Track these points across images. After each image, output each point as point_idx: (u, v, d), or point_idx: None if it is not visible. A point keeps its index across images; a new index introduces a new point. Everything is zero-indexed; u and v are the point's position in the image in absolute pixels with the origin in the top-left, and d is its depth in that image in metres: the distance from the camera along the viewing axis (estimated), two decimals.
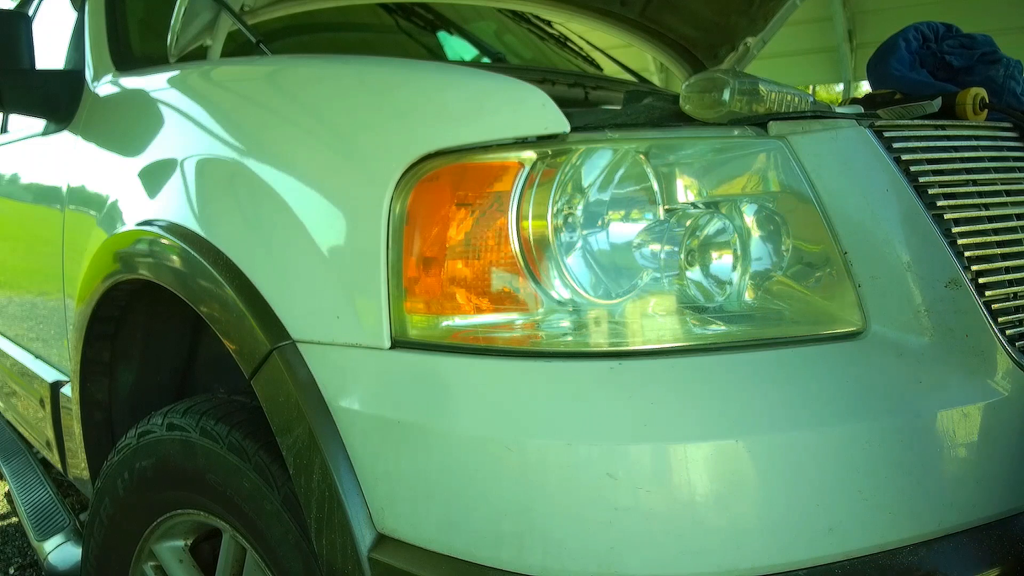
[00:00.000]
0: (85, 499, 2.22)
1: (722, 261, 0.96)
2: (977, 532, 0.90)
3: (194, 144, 1.33)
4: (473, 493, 0.88)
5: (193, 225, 1.23)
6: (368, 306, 0.98)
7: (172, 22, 1.57)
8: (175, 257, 1.23)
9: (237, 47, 1.82)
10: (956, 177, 1.03)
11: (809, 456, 0.85)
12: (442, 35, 2.63)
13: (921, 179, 0.99)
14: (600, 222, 0.95)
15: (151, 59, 1.79)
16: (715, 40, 2.37)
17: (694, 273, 0.95)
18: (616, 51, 2.98)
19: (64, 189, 1.81)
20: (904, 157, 1.00)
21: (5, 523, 2.77)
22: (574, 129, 0.94)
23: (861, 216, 0.97)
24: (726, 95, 0.98)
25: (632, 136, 0.98)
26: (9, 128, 2.53)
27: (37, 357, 2.10)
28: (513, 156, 0.94)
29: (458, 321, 0.95)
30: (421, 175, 0.96)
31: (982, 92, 1.13)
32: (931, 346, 0.94)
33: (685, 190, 0.99)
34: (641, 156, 0.96)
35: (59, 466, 1.95)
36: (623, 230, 0.96)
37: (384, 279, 0.97)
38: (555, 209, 0.93)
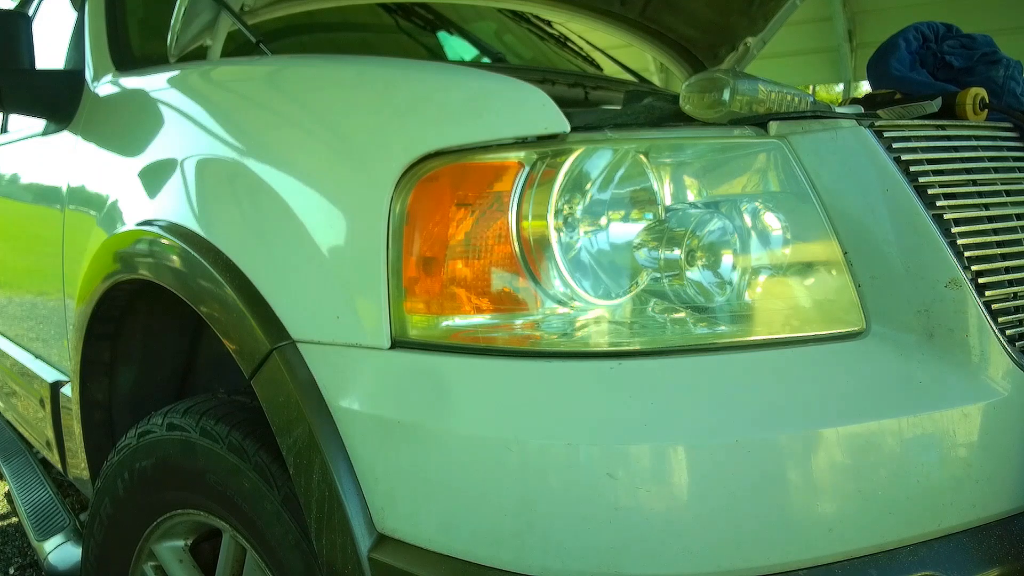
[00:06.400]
0: (85, 499, 2.22)
1: (722, 261, 0.96)
2: (977, 532, 0.90)
3: (194, 144, 1.33)
4: (473, 493, 0.88)
5: (193, 225, 1.23)
6: (368, 306, 0.98)
7: (172, 22, 1.57)
8: (175, 257, 1.23)
9: (237, 47, 1.82)
10: (956, 177, 1.03)
11: (809, 456, 0.85)
12: (442, 35, 2.63)
13: (921, 179, 0.99)
14: (600, 222, 0.95)
15: (151, 59, 1.79)
16: (715, 40, 2.37)
17: (694, 273, 0.95)
18: (616, 51, 2.98)
19: (64, 189, 1.81)
20: (904, 157, 1.00)
21: (5, 523, 2.77)
22: (574, 129, 0.94)
23: (861, 216, 0.97)
24: (726, 95, 0.98)
25: (632, 136, 0.98)
26: (9, 128, 2.53)
27: (37, 357, 2.10)
28: (513, 156, 0.94)
29: (458, 321, 0.95)
30: (421, 175, 0.96)
31: (982, 92, 1.13)
32: (931, 346, 0.94)
33: (685, 190, 0.99)
34: (641, 156, 0.96)
35: (59, 466, 1.95)
36: (623, 230, 0.96)
37: (384, 279, 0.97)
38: (555, 209, 0.93)
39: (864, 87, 6.38)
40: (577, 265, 0.94)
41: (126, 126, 1.64)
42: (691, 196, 1.00)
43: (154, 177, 1.40)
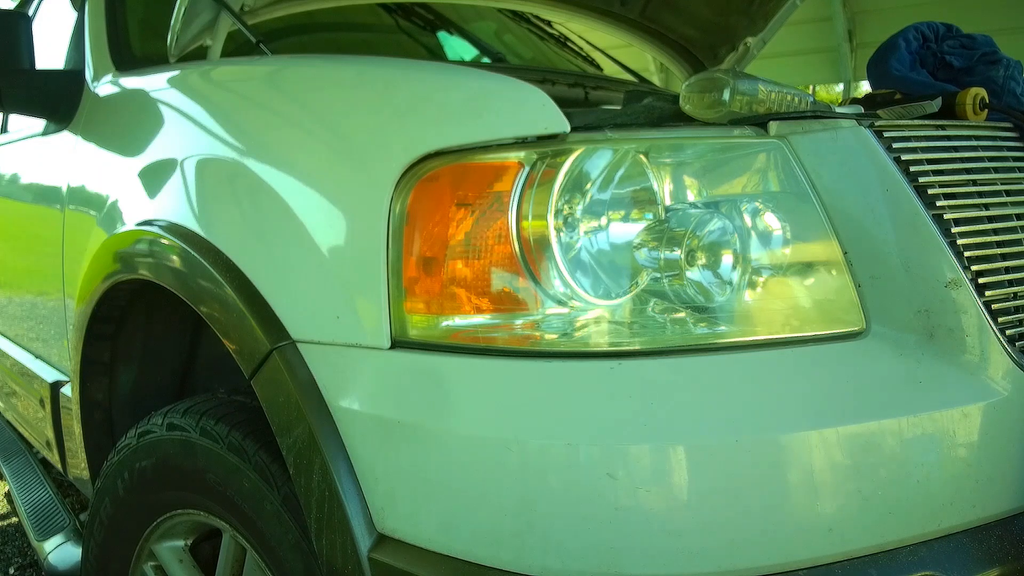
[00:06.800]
0: (85, 499, 2.22)
1: (722, 261, 0.96)
2: (977, 532, 0.90)
3: (194, 144, 1.33)
4: (473, 493, 0.88)
5: (193, 225, 1.23)
6: (368, 306, 0.98)
7: (172, 22, 1.57)
8: (175, 257, 1.23)
9: (237, 47, 1.82)
10: (956, 177, 1.03)
11: (809, 456, 0.85)
12: (442, 35, 2.63)
13: (921, 179, 0.99)
14: (600, 222, 0.95)
15: (151, 59, 1.79)
16: (715, 40, 2.37)
17: (694, 273, 0.95)
18: (616, 51, 2.98)
19: (64, 189, 1.81)
20: (904, 157, 1.00)
21: (5, 523, 2.77)
22: (574, 129, 0.94)
23: (861, 216, 0.97)
24: (726, 95, 0.98)
25: (632, 136, 0.98)
26: (9, 128, 2.53)
27: (37, 357, 2.10)
28: (513, 156, 0.94)
29: (458, 321, 0.95)
30: (421, 175, 0.96)
31: (982, 92, 1.13)
32: (931, 346, 0.94)
33: (685, 190, 0.99)
34: (641, 156, 0.96)
35: (59, 466, 1.95)
36: (623, 230, 0.96)
37: (384, 279, 0.97)
38: (555, 209, 0.93)
39: (864, 87, 6.38)
40: (577, 265, 0.94)
41: (126, 126, 1.64)
42: (691, 196, 1.00)
43: (154, 177, 1.40)
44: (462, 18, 2.72)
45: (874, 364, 0.93)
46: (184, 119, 1.42)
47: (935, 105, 1.10)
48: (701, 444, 0.84)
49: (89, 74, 1.88)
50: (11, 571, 2.45)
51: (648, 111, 1.07)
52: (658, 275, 0.95)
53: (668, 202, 0.98)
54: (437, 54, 2.54)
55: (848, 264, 0.96)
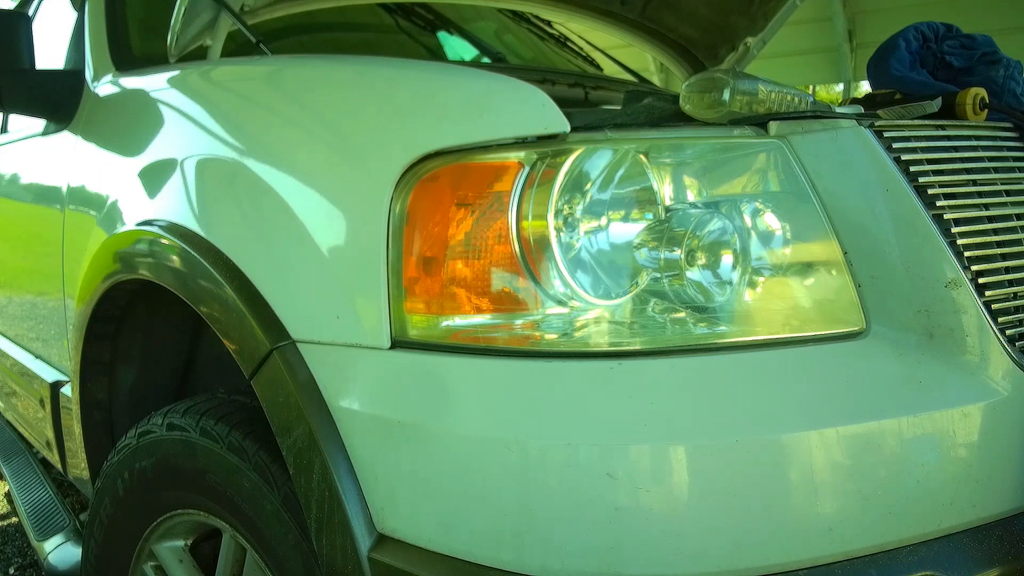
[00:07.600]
0: (85, 499, 2.22)
1: (722, 261, 0.96)
2: (977, 532, 0.90)
3: (194, 144, 1.33)
4: (473, 493, 0.88)
5: (193, 225, 1.23)
6: (368, 306, 0.98)
7: (172, 22, 1.57)
8: (175, 257, 1.23)
9: (237, 47, 1.82)
10: (956, 177, 1.03)
11: (809, 456, 0.85)
12: (442, 35, 2.63)
13: (921, 179, 0.99)
14: (600, 222, 0.95)
15: (151, 59, 1.79)
16: (715, 40, 2.37)
17: (694, 273, 0.95)
18: (616, 51, 2.98)
19: (64, 189, 1.81)
20: (904, 157, 1.00)
21: (5, 523, 2.77)
22: (574, 129, 0.94)
23: (861, 216, 0.97)
24: (726, 95, 0.98)
25: (632, 136, 0.98)
26: (9, 128, 2.53)
27: (37, 357, 2.10)
28: (513, 156, 0.94)
29: (458, 321, 0.95)
30: (421, 175, 0.96)
31: (982, 92, 1.13)
32: (931, 346, 0.94)
33: (685, 190, 0.99)
34: (641, 156, 0.97)
35: (59, 466, 1.95)
36: (623, 230, 0.96)
37: (384, 279, 0.97)
38: (555, 209, 0.93)
39: (864, 87, 6.39)
40: (577, 265, 0.94)
41: (126, 126, 1.64)
42: (691, 196, 1.00)
43: (154, 177, 1.40)
44: (462, 18, 2.72)
45: (874, 364, 0.93)
46: (184, 119, 1.42)
47: (935, 105, 1.09)
48: (701, 444, 0.84)
49: (89, 74, 1.89)
50: (11, 571, 2.45)
51: (648, 111, 1.07)
52: (658, 275, 0.95)
53: (668, 202, 0.98)
54: (437, 54, 2.54)
55: (848, 264, 0.96)
